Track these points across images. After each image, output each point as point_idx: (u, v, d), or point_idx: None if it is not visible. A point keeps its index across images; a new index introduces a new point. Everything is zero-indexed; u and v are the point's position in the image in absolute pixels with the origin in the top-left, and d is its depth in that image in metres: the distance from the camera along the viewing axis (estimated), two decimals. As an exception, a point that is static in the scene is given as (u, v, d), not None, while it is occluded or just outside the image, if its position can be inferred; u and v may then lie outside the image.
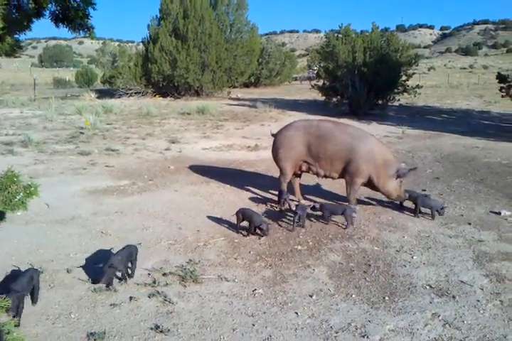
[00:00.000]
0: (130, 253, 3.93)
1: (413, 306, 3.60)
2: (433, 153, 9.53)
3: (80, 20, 2.19)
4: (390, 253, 4.61)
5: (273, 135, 6.28)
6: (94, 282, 3.76)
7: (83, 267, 4.14)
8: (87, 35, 2.26)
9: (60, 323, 3.28)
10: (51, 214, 5.54)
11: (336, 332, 3.25)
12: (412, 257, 4.50)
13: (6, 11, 1.76)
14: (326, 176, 5.94)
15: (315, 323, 3.36)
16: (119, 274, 3.86)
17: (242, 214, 5.03)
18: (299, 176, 6.28)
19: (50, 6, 2.18)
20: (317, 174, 5.98)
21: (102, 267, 3.66)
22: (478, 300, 3.69)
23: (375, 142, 5.76)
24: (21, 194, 1.98)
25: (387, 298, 3.74)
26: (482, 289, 3.87)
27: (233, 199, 6.28)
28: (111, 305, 3.54)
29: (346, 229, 5.19)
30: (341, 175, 5.84)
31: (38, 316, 3.34)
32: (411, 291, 3.84)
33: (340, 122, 6.63)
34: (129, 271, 3.95)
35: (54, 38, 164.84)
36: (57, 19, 2.19)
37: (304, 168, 6.00)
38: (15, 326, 2.37)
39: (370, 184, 5.74)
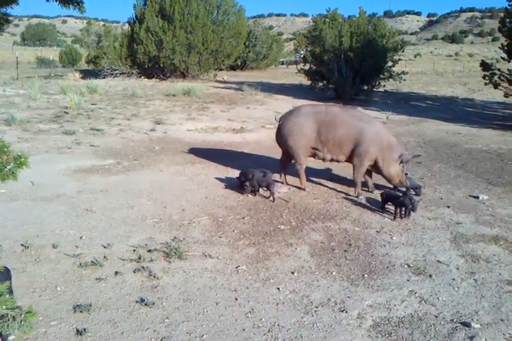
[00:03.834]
0: None
1: (391, 284, 3.73)
2: (416, 139, 9.66)
3: (70, -6, 2.20)
4: (371, 233, 4.73)
5: (279, 121, 6.13)
6: None
7: (69, 243, 4.19)
8: (77, 9, 2.27)
9: (46, 296, 3.33)
10: (36, 191, 5.55)
11: (316, 307, 3.36)
12: (392, 238, 4.63)
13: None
14: (332, 160, 6.00)
15: (296, 298, 3.47)
16: None
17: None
18: (291, 160, 6.22)
19: (39, -21, 2.19)
20: (324, 159, 6.01)
21: None
22: (454, 279, 3.83)
23: (380, 125, 5.93)
24: (11, 164, 1.99)
25: (366, 275, 3.85)
26: (458, 268, 4.01)
27: (218, 180, 6.34)
28: (96, 279, 3.59)
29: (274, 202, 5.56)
30: (348, 159, 5.92)
31: (25, 289, 3.38)
32: (389, 270, 3.96)
33: (346, 107, 6.69)
34: None
35: (37, 16, 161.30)
36: (46, -7, 2.20)
37: (309, 153, 6.04)
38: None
39: (375, 167, 5.85)
